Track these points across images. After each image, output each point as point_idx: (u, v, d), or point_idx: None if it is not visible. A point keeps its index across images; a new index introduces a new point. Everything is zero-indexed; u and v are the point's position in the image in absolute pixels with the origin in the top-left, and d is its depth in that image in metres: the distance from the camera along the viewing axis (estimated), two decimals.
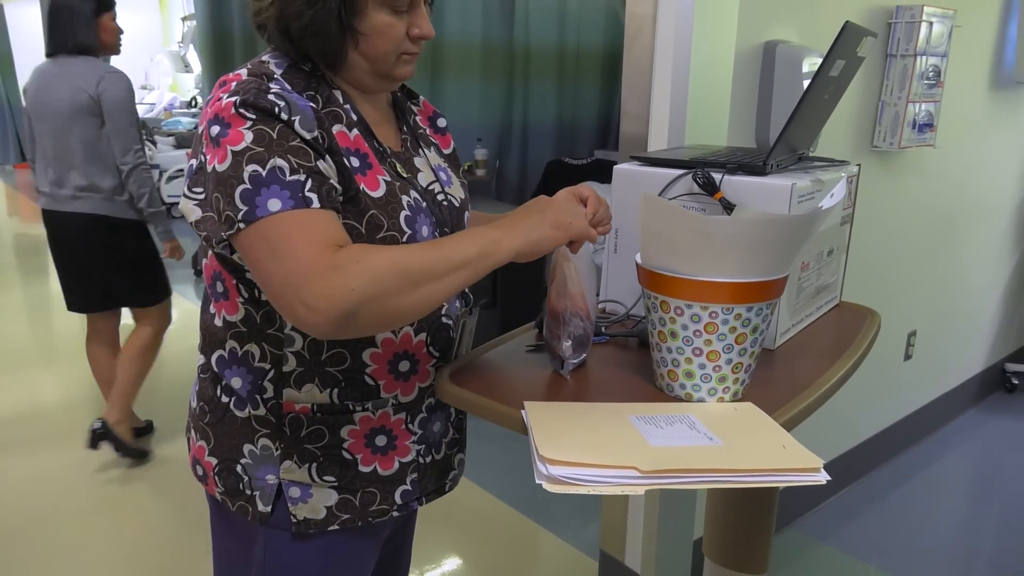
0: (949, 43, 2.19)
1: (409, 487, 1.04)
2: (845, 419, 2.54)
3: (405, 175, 0.99)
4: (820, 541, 2.36)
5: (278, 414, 0.97)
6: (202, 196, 0.92)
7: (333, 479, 0.99)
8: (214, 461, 1.00)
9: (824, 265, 1.29)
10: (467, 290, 1.14)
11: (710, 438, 0.87)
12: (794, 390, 1.04)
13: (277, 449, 0.97)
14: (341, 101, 0.95)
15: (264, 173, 0.83)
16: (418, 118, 1.13)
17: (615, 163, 1.30)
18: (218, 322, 0.98)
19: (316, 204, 0.84)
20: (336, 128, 0.92)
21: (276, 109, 0.86)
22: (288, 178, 0.83)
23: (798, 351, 1.18)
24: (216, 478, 1.00)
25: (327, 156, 0.89)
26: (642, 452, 0.82)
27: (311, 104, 0.90)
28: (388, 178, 0.95)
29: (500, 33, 4.29)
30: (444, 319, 1.04)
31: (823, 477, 0.81)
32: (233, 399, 0.98)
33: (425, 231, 0.97)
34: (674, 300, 0.93)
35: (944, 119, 2.40)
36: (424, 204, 0.99)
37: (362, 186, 0.92)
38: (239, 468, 0.99)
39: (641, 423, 0.89)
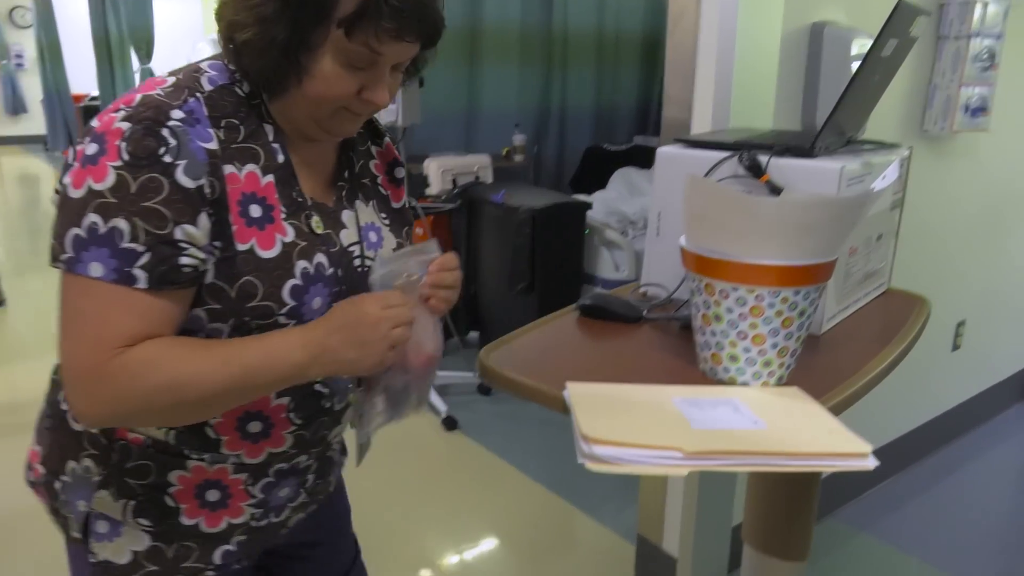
0: (1005, 23, 2.12)
1: (233, 548, 0.94)
2: (889, 408, 2.49)
3: (320, 231, 0.88)
4: (861, 531, 2.33)
5: (110, 436, 0.87)
6: None
7: (148, 523, 0.88)
8: (43, 470, 0.92)
9: (873, 250, 1.27)
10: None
11: (755, 421, 0.86)
12: (840, 376, 1.02)
13: (98, 475, 0.87)
14: (270, 138, 0.85)
15: (101, 230, 0.75)
16: (374, 163, 1.01)
17: (655, 149, 1.29)
18: None
19: (141, 284, 0.76)
20: (247, 169, 0.82)
21: (161, 149, 0.76)
22: (123, 245, 0.75)
23: (845, 337, 1.17)
24: (43, 489, 0.92)
25: (204, 210, 0.78)
26: (686, 433, 0.81)
27: (208, 146, 0.79)
28: (288, 238, 0.84)
29: (539, 18, 4.27)
30: (317, 387, 0.91)
31: (871, 463, 0.80)
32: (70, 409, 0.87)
33: (317, 303, 0.86)
34: (719, 283, 0.93)
35: (999, 103, 2.33)
36: (330, 271, 0.87)
37: (252, 242, 0.81)
38: (57, 484, 0.90)
39: (685, 405, 0.89)
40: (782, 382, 0.98)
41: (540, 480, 2.61)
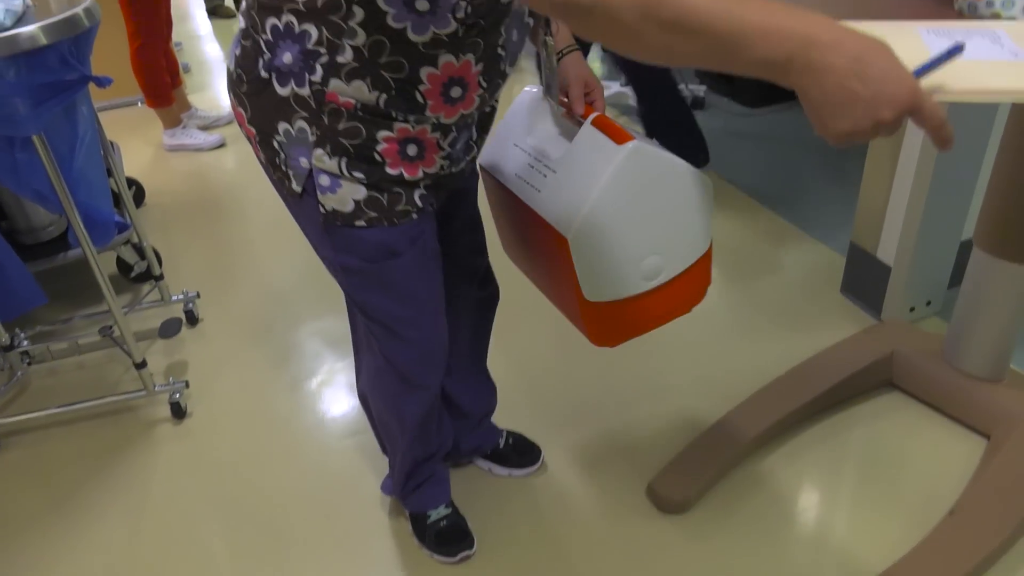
0: None
1: (424, 192, 1.03)
2: None
3: None
4: None
5: (320, 100, 0.92)
6: None
7: (362, 175, 0.96)
8: (254, 130, 0.98)
9: None
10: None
11: (1015, 54, 0.75)
12: None
13: (313, 135, 0.94)
14: None
15: None
16: None
17: None
18: None
19: None
20: None
21: None
22: None
23: None
24: (258, 145, 0.99)
25: None
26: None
27: None
28: None
29: None
30: (499, 50, 0.96)
31: None
32: (275, 75, 0.92)
33: None
34: None
35: None
36: None
37: None
38: (275, 143, 0.97)
39: (931, 35, 0.79)
40: None
41: (751, 194, 2.55)
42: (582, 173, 1.06)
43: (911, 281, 1.84)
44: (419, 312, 1.12)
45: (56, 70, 1.43)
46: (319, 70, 0.90)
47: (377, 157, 0.96)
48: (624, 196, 1.04)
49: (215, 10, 5.05)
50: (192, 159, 3.12)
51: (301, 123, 0.93)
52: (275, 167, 0.99)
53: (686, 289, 1.16)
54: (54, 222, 2.02)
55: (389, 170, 0.97)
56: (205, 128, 3.32)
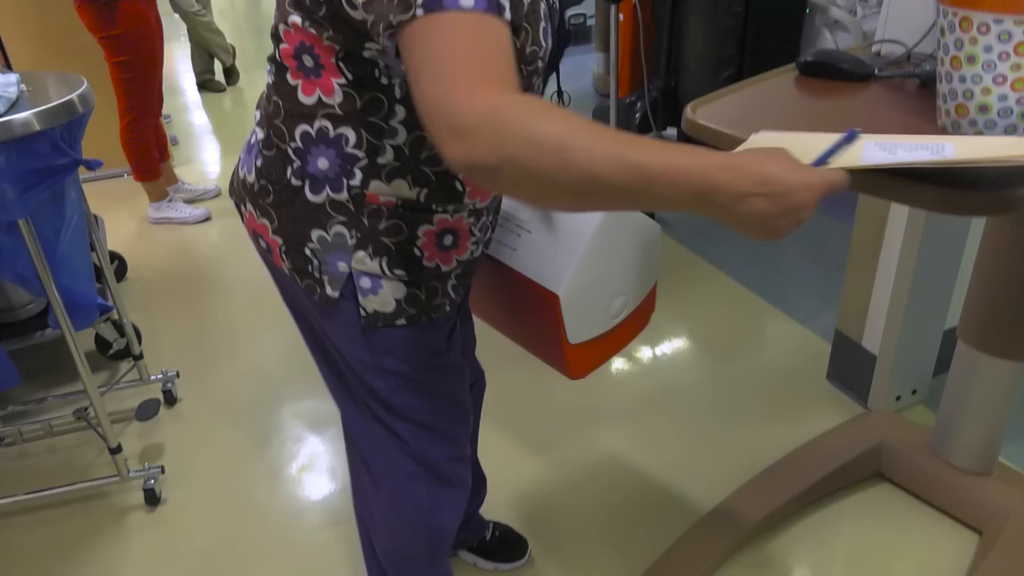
0: None
1: (455, 282, 1.02)
2: None
3: None
4: None
5: (359, 203, 0.90)
6: None
7: (403, 272, 0.95)
8: (280, 240, 0.95)
9: None
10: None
11: (941, 150, 0.75)
12: None
13: (352, 238, 0.92)
14: None
15: None
16: None
17: None
18: (305, 99, 0.87)
19: (507, 15, 0.71)
20: None
21: None
22: None
23: None
24: (283, 255, 0.96)
25: None
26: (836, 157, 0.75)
27: None
28: None
29: None
30: None
31: None
32: (308, 182, 0.90)
33: (549, 42, 0.86)
34: (979, 14, 0.80)
35: None
36: (547, 9, 0.85)
37: None
38: (307, 251, 0.94)
39: (874, 148, 0.78)
40: None
41: (735, 277, 2.58)
42: (560, 234, 1.16)
43: (897, 370, 1.85)
44: (454, 405, 1.10)
45: (47, 156, 1.43)
46: (358, 173, 0.89)
47: (416, 252, 0.95)
48: (602, 252, 1.18)
49: (206, 83, 5.13)
50: (177, 232, 3.11)
51: (339, 228, 0.91)
52: (304, 275, 0.95)
53: (639, 318, 1.34)
54: (33, 300, 1.99)
55: (426, 263, 0.96)
56: (191, 201, 3.32)
